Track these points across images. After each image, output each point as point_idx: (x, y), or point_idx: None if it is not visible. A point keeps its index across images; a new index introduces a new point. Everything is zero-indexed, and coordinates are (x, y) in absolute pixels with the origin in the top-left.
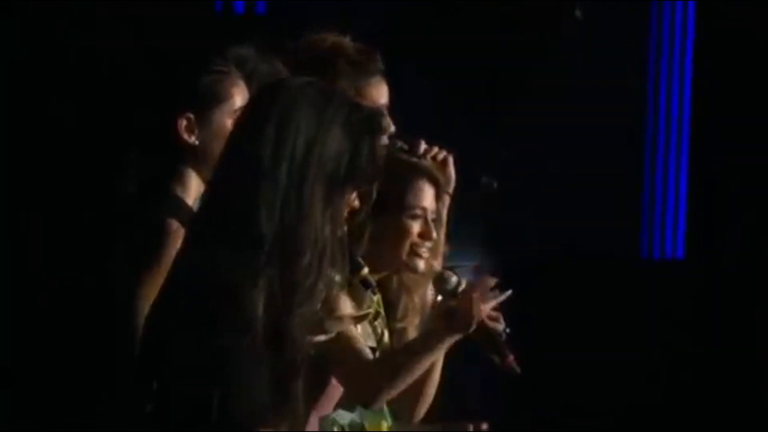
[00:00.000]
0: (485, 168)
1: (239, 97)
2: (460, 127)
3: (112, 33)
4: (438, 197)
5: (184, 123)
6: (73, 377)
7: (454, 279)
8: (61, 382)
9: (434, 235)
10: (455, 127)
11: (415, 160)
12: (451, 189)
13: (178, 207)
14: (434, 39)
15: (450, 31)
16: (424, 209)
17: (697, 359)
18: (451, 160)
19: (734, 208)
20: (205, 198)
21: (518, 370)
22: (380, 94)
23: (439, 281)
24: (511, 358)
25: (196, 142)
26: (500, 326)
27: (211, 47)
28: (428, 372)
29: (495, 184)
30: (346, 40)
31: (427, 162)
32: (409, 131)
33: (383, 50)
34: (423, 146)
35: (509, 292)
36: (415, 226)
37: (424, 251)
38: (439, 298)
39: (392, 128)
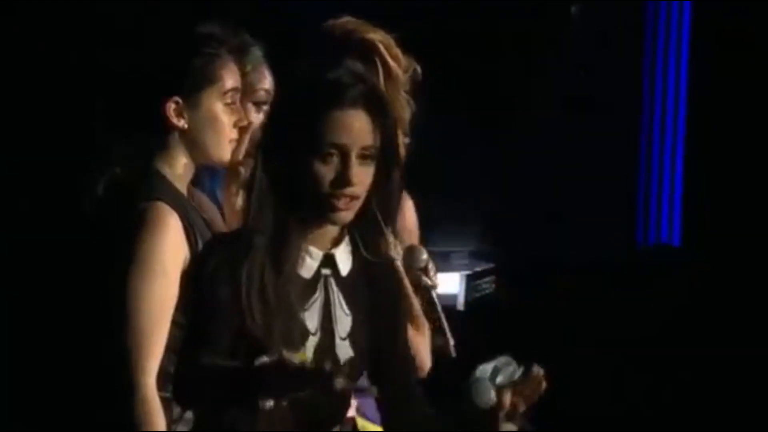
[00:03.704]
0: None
1: (230, 80)
2: (455, 129)
3: (103, 16)
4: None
5: (172, 106)
6: (67, 376)
7: (424, 257)
8: (57, 381)
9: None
10: (450, 129)
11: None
12: None
13: (164, 188)
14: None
15: (445, 42)
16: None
17: (693, 348)
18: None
19: (731, 195)
20: None
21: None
22: None
23: (409, 256)
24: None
25: (185, 126)
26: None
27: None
28: None
29: None
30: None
31: None
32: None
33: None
34: None
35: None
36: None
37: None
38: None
39: None
